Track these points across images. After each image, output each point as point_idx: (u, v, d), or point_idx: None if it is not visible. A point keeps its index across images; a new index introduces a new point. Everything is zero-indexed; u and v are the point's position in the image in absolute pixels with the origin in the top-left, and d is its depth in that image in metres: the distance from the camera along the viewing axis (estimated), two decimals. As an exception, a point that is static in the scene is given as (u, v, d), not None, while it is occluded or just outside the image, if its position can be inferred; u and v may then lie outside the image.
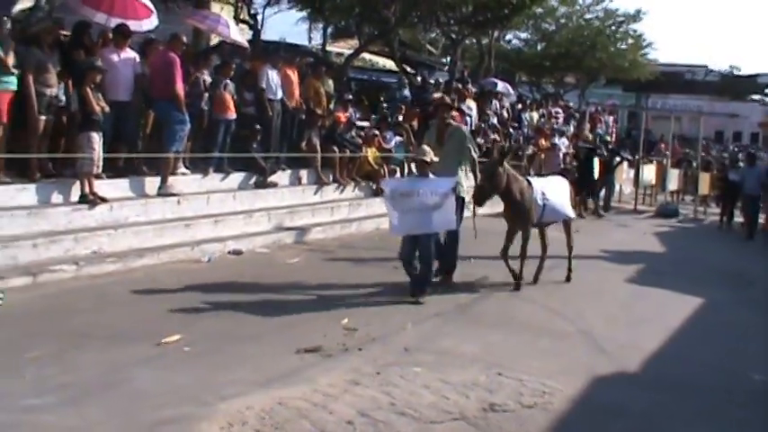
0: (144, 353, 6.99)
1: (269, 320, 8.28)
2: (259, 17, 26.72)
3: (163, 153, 12.35)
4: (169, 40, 12.82)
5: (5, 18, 11.37)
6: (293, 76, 15.90)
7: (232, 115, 13.98)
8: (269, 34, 28.64)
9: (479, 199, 10.32)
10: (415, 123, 19.29)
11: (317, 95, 16.64)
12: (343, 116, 17.16)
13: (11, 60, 10.75)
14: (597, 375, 7.25)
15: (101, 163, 11.28)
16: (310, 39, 34.26)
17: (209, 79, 13.74)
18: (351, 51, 27.16)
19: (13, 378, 6.18)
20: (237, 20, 22.90)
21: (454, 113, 12.64)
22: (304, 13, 30.93)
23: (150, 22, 14.02)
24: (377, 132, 17.69)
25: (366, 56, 29.67)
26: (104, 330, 7.55)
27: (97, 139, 11.11)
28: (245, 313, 8.44)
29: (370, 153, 17.20)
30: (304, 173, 15.92)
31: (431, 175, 9.76)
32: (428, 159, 9.68)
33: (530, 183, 10.95)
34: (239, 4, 25.62)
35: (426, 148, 9.97)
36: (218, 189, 13.44)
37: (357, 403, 6.14)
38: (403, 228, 9.54)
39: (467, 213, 11.11)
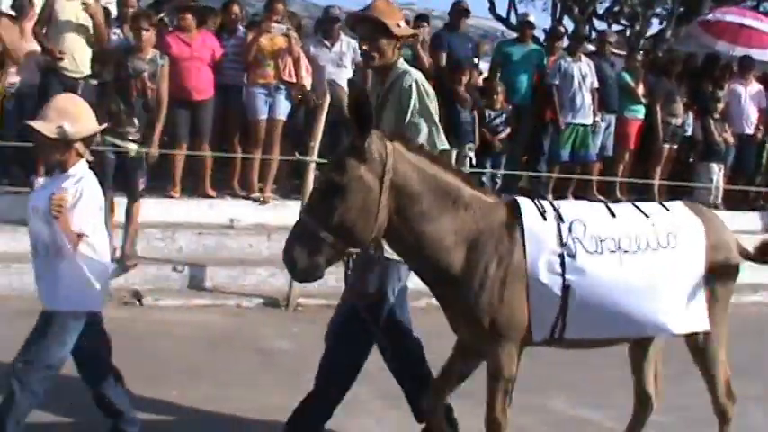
0: (757, 389, 6.77)
1: None
2: None
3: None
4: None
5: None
6: None
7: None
8: None
9: (296, 267, 3.77)
10: None
11: None
12: None
13: (641, 90, 11.23)
14: None
15: (719, 194, 11.20)
16: None
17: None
18: None
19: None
20: None
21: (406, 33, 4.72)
22: None
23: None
24: None
25: None
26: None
27: (716, 169, 11.08)
28: None
29: None
30: None
31: (77, 169, 4.07)
32: (48, 133, 3.92)
33: (517, 216, 4.03)
34: None
35: (69, 102, 4.21)
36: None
37: None
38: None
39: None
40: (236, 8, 9.84)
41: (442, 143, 4.47)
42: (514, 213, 4.02)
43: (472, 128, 10.07)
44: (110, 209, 7.88)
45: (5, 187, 9.00)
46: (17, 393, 4.00)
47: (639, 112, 11.29)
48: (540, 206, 4.07)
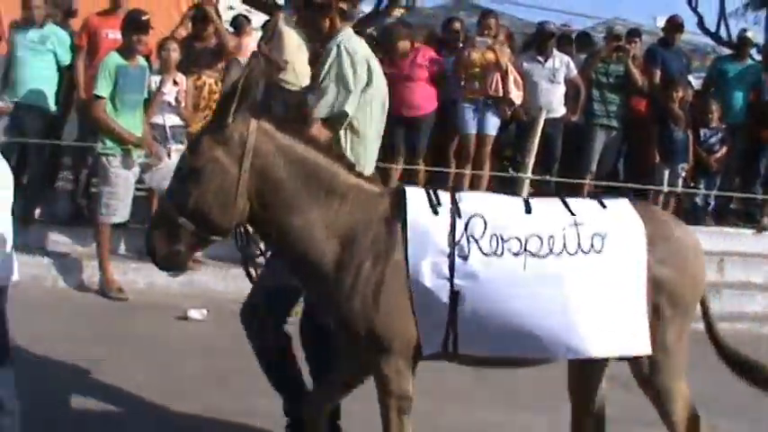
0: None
1: None
2: None
3: None
4: None
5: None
6: None
7: None
8: None
9: (155, 255, 3.55)
10: None
11: None
12: None
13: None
14: None
15: None
16: None
17: None
18: None
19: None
20: None
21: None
22: None
23: None
24: None
25: None
26: None
27: None
28: None
29: None
30: None
31: None
32: None
33: (402, 208, 3.54)
34: None
35: None
36: None
37: None
38: None
39: None
40: (456, 25, 10.14)
41: (350, 107, 4.07)
42: (399, 206, 3.53)
43: (686, 147, 9.77)
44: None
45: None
46: None
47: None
48: (433, 198, 3.54)
